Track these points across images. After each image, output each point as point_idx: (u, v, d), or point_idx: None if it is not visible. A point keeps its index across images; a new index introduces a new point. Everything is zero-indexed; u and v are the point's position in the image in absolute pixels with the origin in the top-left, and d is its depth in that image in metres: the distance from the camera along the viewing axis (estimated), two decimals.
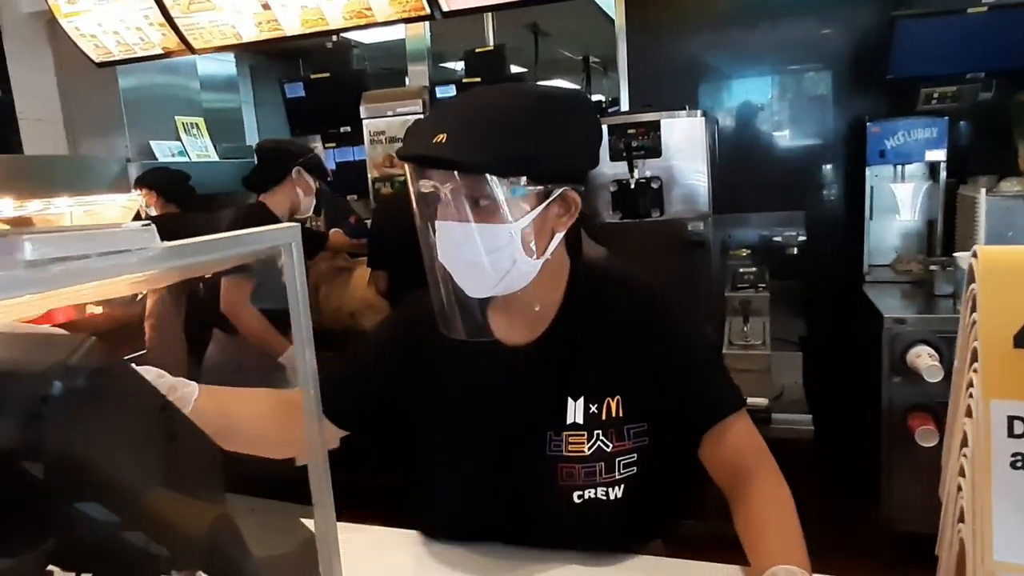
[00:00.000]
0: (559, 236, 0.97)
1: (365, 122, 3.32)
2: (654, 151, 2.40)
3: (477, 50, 3.69)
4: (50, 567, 0.53)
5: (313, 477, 0.68)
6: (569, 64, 6.86)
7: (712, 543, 1.02)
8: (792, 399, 2.19)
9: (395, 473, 1.20)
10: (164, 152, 3.56)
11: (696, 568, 0.99)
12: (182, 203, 3.04)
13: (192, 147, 3.74)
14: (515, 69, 4.97)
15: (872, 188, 2.62)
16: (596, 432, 0.98)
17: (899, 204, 2.66)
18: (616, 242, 2.34)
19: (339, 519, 0.71)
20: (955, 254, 2.23)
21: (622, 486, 0.99)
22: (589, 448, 0.98)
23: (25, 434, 0.50)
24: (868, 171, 2.60)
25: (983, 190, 2.26)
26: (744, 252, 2.80)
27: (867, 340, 2.27)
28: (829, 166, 2.99)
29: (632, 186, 2.42)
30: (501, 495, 1.01)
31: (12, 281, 0.28)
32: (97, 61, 3.23)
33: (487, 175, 0.87)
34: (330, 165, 4.02)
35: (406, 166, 0.95)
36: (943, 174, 2.54)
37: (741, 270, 2.45)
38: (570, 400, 1.00)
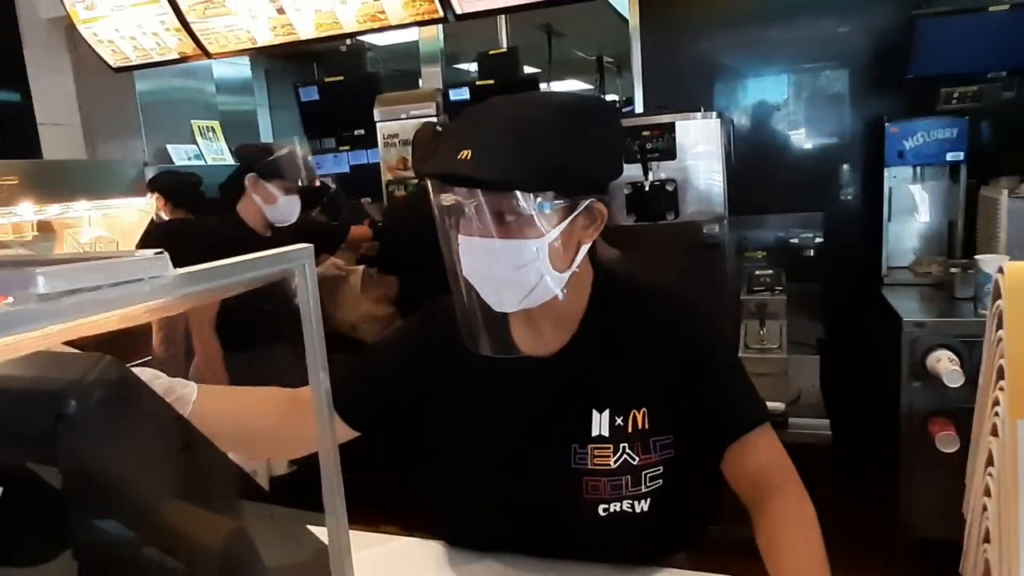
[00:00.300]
0: (585, 247, 0.95)
1: (379, 125, 3.34)
2: (669, 153, 2.38)
3: (491, 52, 3.69)
4: None
5: (326, 488, 0.68)
6: (583, 64, 6.85)
7: (735, 550, 1.00)
8: (809, 403, 2.16)
9: (408, 470, 1.17)
10: (180, 156, 3.59)
11: None
12: (191, 208, 3.03)
13: (208, 150, 3.77)
14: (528, 70, 4.96)
15: (891, 189, 2.58)
16: (622, 445, 0.97)
17: (918, 205, 2.62)
18: (631, 245, 2.31)
19: (350, 518, 0.69)
20: (976, 256, 2.19)
21: (648, 499, 0.97)
22: (615, 461, 0.97)
23: (41, 453, 0.51)
24: (887, 172, 2.56)
25: (1005, 191, 2.22)
26: (760, 254, 2.77)
27: (886, 343, 2.24)
28: (847, 167, 2.95)
29: (647, 188, 2.40)
30: (525, 507, 1.00)
31: (27, 316, 0.28)
32: (114, 66, 3.27)
33: (515, 191, 0.86)
34: (344, 168, 4.03)
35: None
36: (963, 175, 2.50)
37: (757, 272, 2.43)
38: (595, 412, 0.98)
